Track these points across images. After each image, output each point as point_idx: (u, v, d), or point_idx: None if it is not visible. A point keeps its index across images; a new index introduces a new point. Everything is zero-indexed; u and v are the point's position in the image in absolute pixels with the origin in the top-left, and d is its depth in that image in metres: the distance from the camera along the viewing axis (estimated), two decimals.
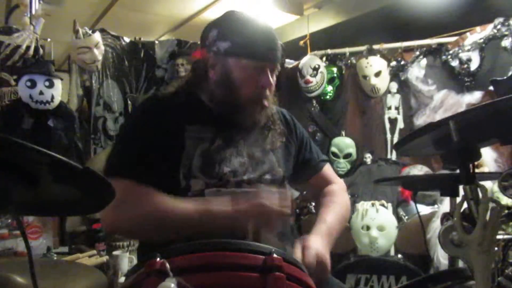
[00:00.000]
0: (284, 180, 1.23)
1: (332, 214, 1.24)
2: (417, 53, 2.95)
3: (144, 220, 1.04)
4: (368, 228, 2.44)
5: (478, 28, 2.75)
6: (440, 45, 2.89)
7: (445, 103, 2.74)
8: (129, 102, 3.20)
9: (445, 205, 2.08)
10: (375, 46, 3.06)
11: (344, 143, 3.08)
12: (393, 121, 3.07)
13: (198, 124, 1.15)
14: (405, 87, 3.02)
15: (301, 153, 1.34)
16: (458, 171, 0.88)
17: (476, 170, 0.86)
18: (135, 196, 1.04)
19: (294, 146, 1.32)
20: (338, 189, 1.37)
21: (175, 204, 1.03)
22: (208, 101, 1.20)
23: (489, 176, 1.50)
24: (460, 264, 1.16)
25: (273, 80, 1.16)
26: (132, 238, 1.06)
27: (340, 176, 3.00)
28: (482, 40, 2.69)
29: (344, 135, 3.18)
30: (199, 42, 1.25)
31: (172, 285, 0.62)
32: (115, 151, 1.17)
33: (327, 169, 1.40)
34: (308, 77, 3.14)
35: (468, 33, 2.79)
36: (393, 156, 3.03)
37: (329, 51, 3.27)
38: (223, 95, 1.16)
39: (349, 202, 1.36)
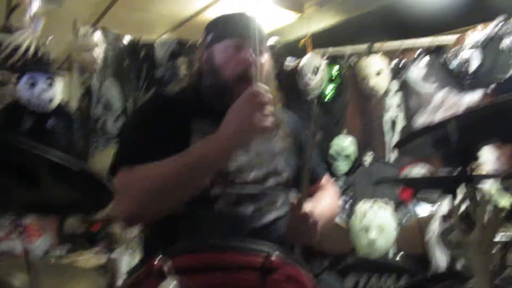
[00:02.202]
0: (289, 181, 1.23)
1: (325, 201, 1.25)
2: (418, 53, 2.95)
3: (151, 189, 1.03)
4: (367, 229, 2.44)
5: (479, 27, 2.74)
6: (440, 45, 2.89)
7: (445, 103, 2.74)
8: (129, 102, 3.19)
9: (444, 205, 2.08)
10: (376, 46, 3.05)
11: (344, 143, 3.08)
12: (393, 121, 3.07)
13: (202, 122, 1.16)
14: (405, 87, 3.01)
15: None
16: (458, 171, 0.88)
17: (476, 170, 0.86)
18: (137, 175, 1.04)
19: (298, 151, 1.31)
20: (334, 190, 1.40)
21: (170, 162, 1.03)
22: (208, 97, 1.22)
23: (489, 176, 1.50)
24: (460, 264, 1.16)
25: (259, 59, 1.15)
26: (154, 214, 1.05)
27: (340, 176, 3.01)
28: (483, 40, 2.68)
29: (344, 135, 3.17)
30: (199, 42, 1.29)
31: (172, 285, 0.62)
32: (121, 147, 1.19)
33: (326, 178, 1.42)
34: (308, 76, 3.14)
35: (469, 32, 2.78)
36: (393, 156, 3.02)
37: (329, 50, 3.26)
38: (213, 80, 1.19)
39: (338, 205, 1.39)
